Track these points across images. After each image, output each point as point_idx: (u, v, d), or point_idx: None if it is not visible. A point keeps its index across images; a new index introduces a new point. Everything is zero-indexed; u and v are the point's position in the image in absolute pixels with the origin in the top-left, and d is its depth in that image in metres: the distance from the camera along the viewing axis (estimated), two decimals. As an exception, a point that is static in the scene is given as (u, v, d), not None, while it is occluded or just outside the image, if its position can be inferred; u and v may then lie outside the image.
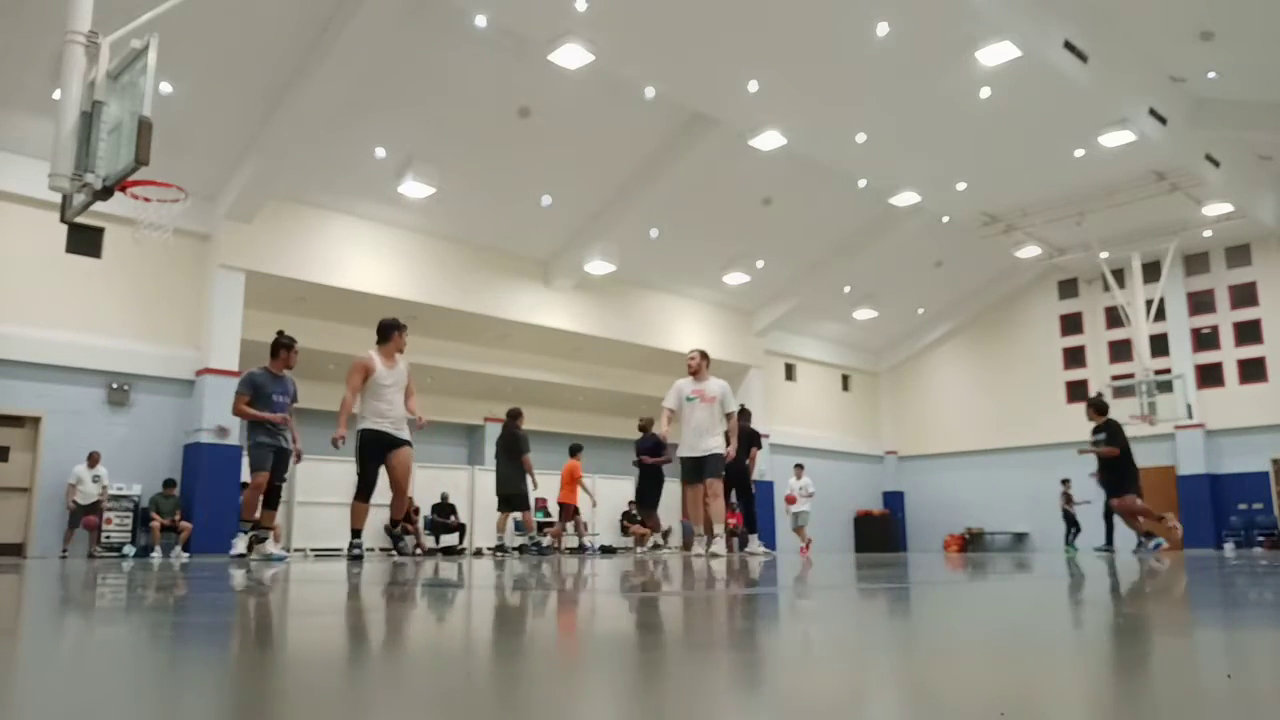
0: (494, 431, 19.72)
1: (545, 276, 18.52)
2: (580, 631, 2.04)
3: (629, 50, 13.58)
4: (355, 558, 7.62)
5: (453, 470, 18.54)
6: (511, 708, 1.06)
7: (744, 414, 11.84)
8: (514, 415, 12.48)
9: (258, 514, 8.34)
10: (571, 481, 15.02)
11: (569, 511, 15.30)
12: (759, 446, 12.27)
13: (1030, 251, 21.98)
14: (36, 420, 13.19)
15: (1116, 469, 11.06)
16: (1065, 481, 19.30)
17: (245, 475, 14.06)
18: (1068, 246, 21.73)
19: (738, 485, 12.01)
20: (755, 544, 12.07)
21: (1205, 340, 22.27)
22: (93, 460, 13.07)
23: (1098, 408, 11.38)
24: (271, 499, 8.42)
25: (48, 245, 13.19)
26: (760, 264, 20.30)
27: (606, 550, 19.13)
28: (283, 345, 8.69)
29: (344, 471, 11.76)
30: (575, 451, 15.17)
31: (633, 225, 17.56)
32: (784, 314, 22.40)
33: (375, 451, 7.68)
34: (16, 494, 13.02)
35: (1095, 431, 11.17)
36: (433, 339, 17.08)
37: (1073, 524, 19.39)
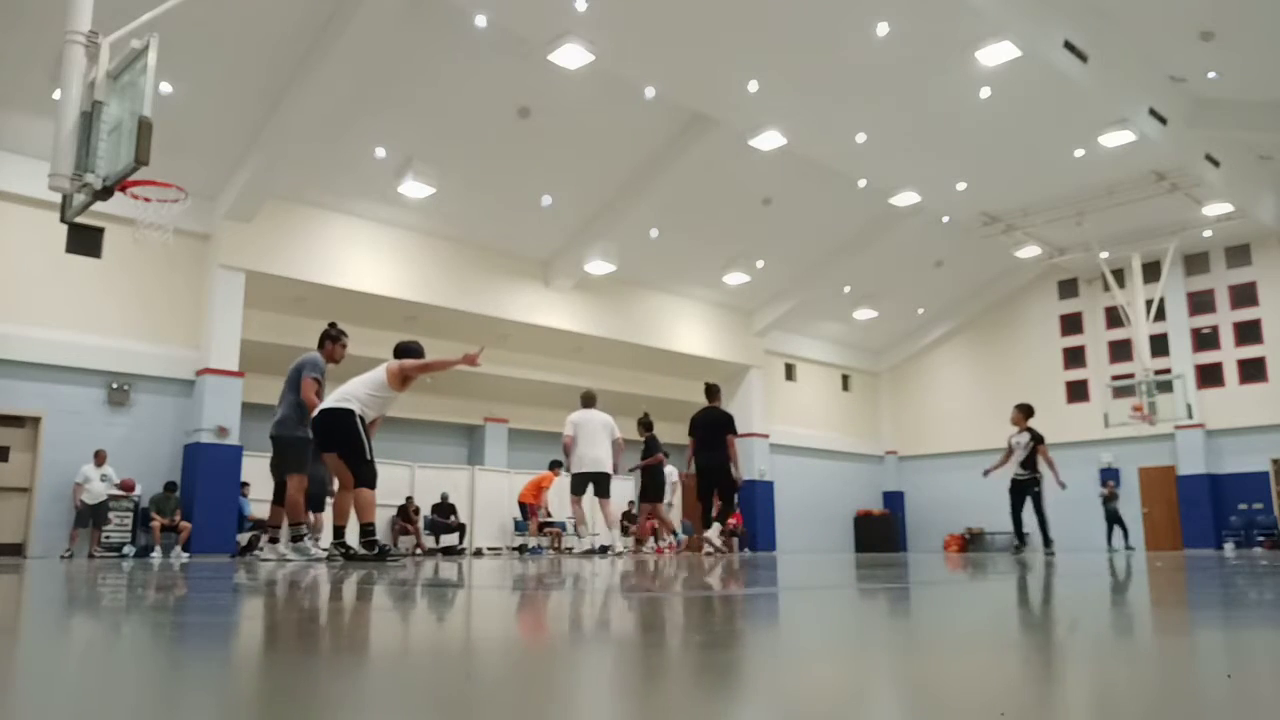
0: (495, 432, 19.84)
1: (545, 276, 18.53)
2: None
3: (629, 50, 13.58)
4: (384, 552, 7.31)
5: (453, 470, 18.55)
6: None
7: (713, 390, 11.36)
8: None
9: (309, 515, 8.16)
10: (537, 488, 17.58)
11: (528, 510, 17.68)
12: (734, 433, 10.95)
13: (1030, 251, 21.98)
14: (36, 420, 13.19)
15: (654, 478, 12.09)
16: (1108, 481, 19.21)
17: (244, 475, 14.21)
18: (1068, 246, 21.74)
19: (722, 481, 10.82)
20: (715, 537, 10.98)
21: (1205, 340, 22.27)
22: (99, 459, 13.05)
23: (1025, 411, 12.19)
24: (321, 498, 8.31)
25: (48, 245, 13.19)
26: (760, 264, 20.30)
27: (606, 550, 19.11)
28: (329, 337, 8.21)
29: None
30: (554, 466, 16.94)
31: (633, 225, 17.56)
32: (784, 314, 22.41)
33: None
34: (16, 494, 13.02)
35: (1032, 438, 11.89)
36: (433, 339, 17.04)
37: (1116, 522, 19.20)
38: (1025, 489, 11.91)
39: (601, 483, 10.69)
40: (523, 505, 17.97)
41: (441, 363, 7.51)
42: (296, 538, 7.96)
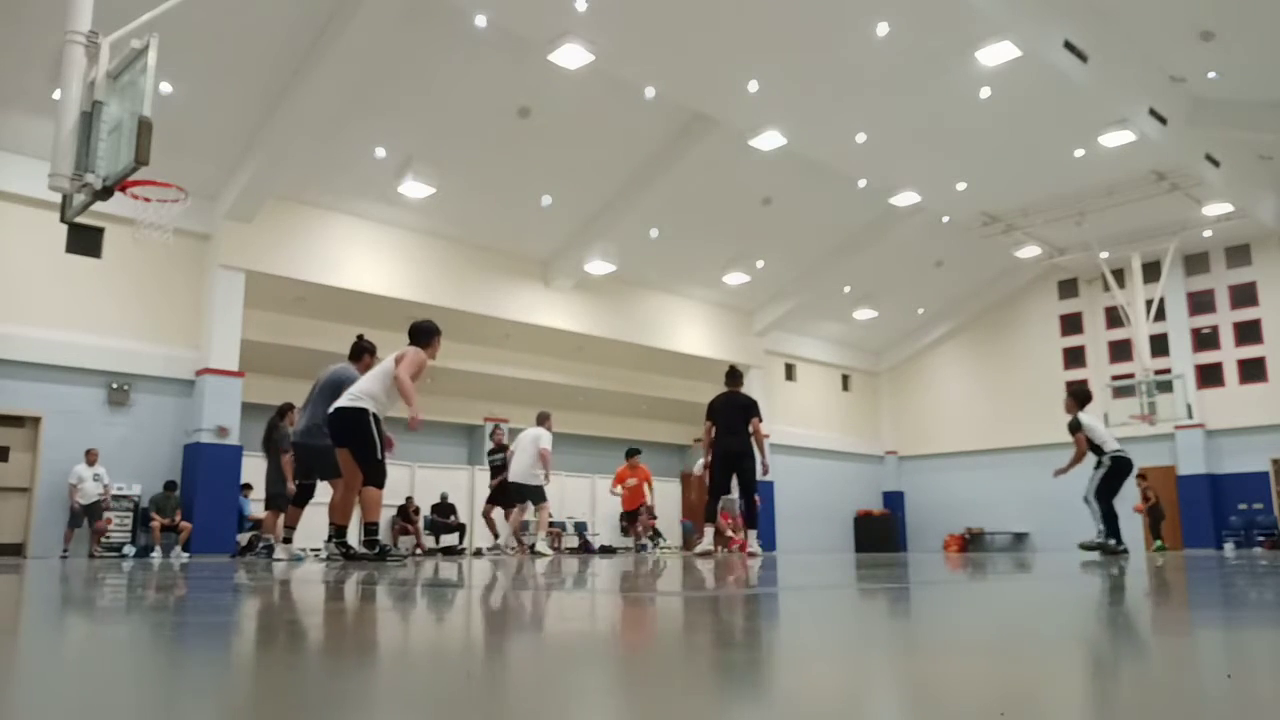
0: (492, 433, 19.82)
1: (545, 276, 18.53)
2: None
3: (629, 50, 13.58)
4: (384, 552, 7.34)
5: (453, 470, 18.55)
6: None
7: (736, 375, 10.47)
8: (282, 412, 11.30)
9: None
10: (637, 489, 15.03)
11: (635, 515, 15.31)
12: (760, 418, 10.16)
13: (1030, 251, 21.99)
14: (36, 420, 13.19)
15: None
16: (1142, 477, 18.91)
17: (245, 475, 14.20)
18: (1068, 246, 21.74)
19: (745, 470, 9.94)
20: (753, 542, 10.38)
21: (1205, 340, 22.28)
22: (91, 458, 13.01)
23: (1074, 398, 10.28)
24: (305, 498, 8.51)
25: (48, 245, 13.19)
26: (760, 264, 20.30)
27: (607, 550, 19.12)
28: (366, 350, 8.38)
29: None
30: (631, 454, 14.97)
31: (633, 225, 17.56)
32: (784, 314, 22.41)
33: None
34: (16, 494, 13.02)
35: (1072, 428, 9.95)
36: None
37: (1159, 520, 18.61)
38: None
39: (526, 492, 11.85)
40: (629, 512, 15.41)
41: (408, 399, 7.28)
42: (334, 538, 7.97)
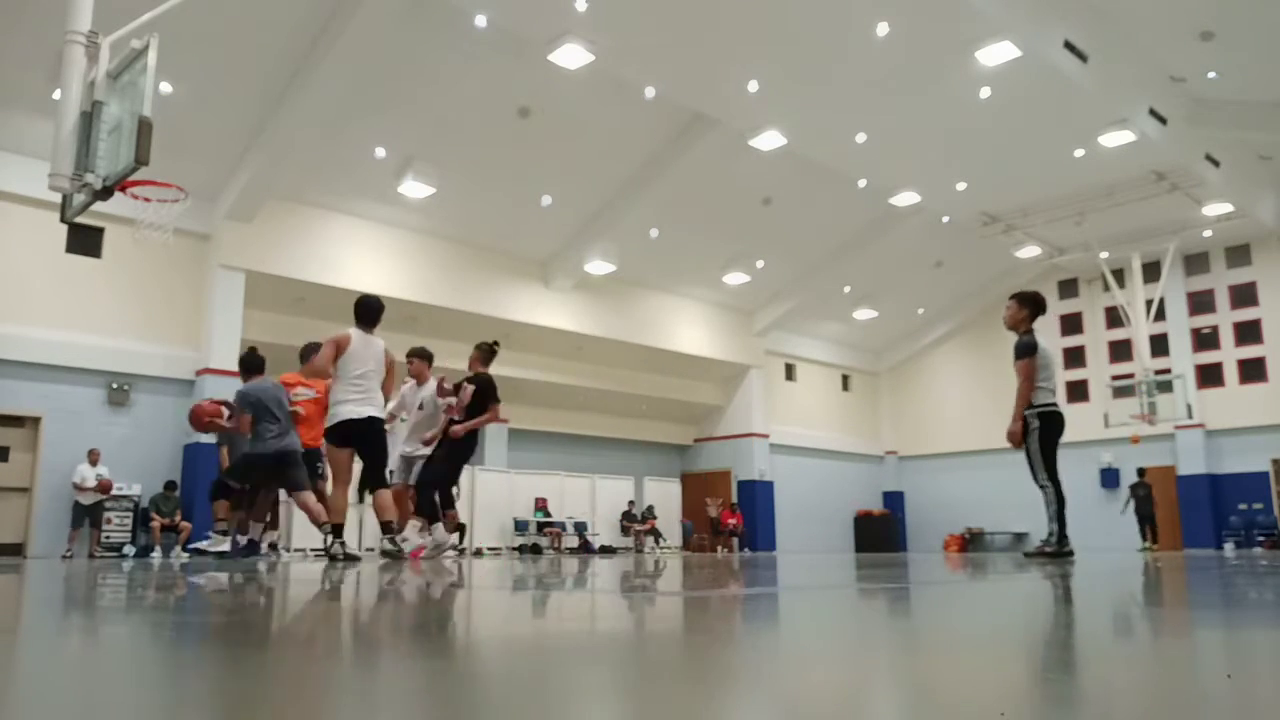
0: (495, 432, 19.82)
1: (545, 276, 18.53)
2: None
3: (629, 50, 13.58)
4: (396, 552, 7.38)
5: (453, 470, 18.49)
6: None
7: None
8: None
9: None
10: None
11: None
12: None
13: (1030, 251, 21.99)
14: (36, 420, 13.19)
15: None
16: (1141, 472, 18.87)
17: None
18: (1068, 246, 21.74)
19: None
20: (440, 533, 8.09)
21: (1205, 340, 22.28)
22: (94, 458, 13.08)
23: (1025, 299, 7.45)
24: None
25: (48, 245, 13.20)
26: (760, 264, 20.31)
27: (606, 550, 19.11)
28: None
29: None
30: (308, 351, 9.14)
31: (633, 225, 17.56)
32: (784, 314, 22.42)
33: None
34: (16, 494, 13.02)
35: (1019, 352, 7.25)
36: (433, 339, 17.09)
37: (1146, 520, 18.62)
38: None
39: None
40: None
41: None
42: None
